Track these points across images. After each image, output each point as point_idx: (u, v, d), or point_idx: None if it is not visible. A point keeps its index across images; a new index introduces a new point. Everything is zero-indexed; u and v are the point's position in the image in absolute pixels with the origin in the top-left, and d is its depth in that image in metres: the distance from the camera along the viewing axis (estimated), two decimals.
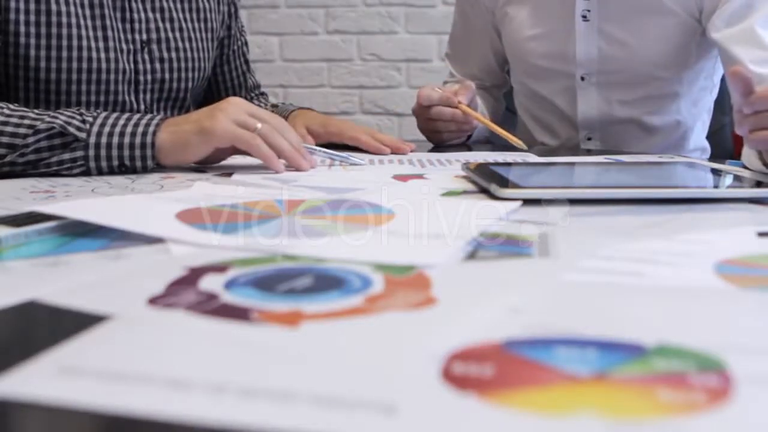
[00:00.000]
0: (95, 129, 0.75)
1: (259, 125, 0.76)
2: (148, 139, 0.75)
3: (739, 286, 0.36)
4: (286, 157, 0.77)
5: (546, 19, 1.16)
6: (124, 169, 0.76)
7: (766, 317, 0.32)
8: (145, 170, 0.77)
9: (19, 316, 0.32)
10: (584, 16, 1.11)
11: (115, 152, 0.75)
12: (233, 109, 0.76)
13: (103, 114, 0.77)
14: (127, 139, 0.75)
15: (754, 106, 0.65)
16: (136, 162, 0.76)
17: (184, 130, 0.76)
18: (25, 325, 0.32)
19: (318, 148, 0.85)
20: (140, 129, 0.76)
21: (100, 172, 0.75)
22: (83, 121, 0.75)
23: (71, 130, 0.74)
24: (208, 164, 0.82)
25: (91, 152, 0.74)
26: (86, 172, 0.75)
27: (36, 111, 0.77)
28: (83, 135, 0.74)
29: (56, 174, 0.75)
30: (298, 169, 0.78)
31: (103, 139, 0.75)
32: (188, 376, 0.25)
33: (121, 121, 0.76)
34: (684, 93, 1.15)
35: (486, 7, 1.24)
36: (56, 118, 0.75)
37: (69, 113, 0.76)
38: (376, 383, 0.24)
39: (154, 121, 0.77)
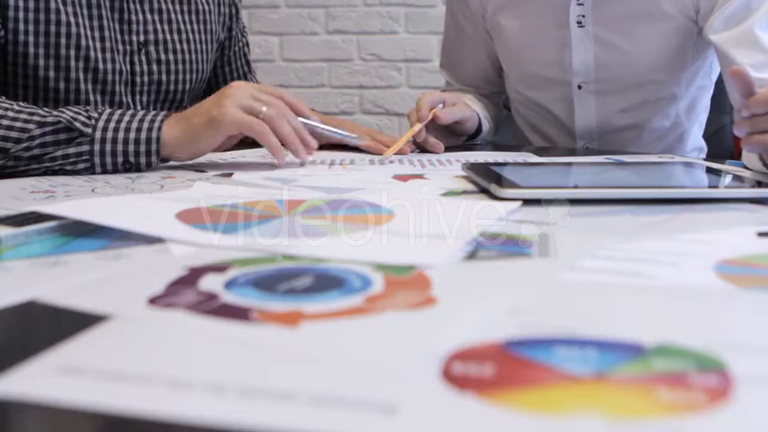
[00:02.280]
0: (101, 124, 0.76)
1: (264, 109, 0.77)
2: (154, 134, 0.76)
3: (739, 286, 0.36)
4: (287, 144, 0.79)
5: (540, 27, 1.13)
6: (129, 166, 0.76)
7: (766, 317, 0.32)
8: (150, 166, 0.77)
9: (19, 316, 0.32)
10: (579, 22, 1.10)
11: (120, 147, 0.75)
12: (239, 94, 0.77)
13: (108, 110, 0.78)
14: (132, 134, 0.76)
15: (752, 110, 0.65)
16: (140, 158, 0.76)
17: (195, 123, 0.77)
18: (25, 325, 0.32)
19: (320, 125, 0.85)
20: (145, 124, 0.77)
21: (104, 169, 0.75)
22: (89, 117, 0.76)
23: (77, 125, 0.74)
24: (221, 150, 0.82)
25: (96, 147, 0.75)
26: (90, 169, 0.75)
27: (45, 109, 0.77)
28: (89, 130, 0.75)
29: (60, 170, 0.75)
30: (295, 155, 0.80)
31: (109, 134, 0.75)
32: (188, 376, 0.25)
33: (126, 117, 0.77)
34: (682, 94, 1.15)
35: (477, 13, 1.22)
36: (63, 113, 0.75)
37: (75, 109, 0.77)
38: (376, 383, 0.24)
39: (159, 117, 0.78)
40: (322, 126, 0.84)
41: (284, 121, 0.78)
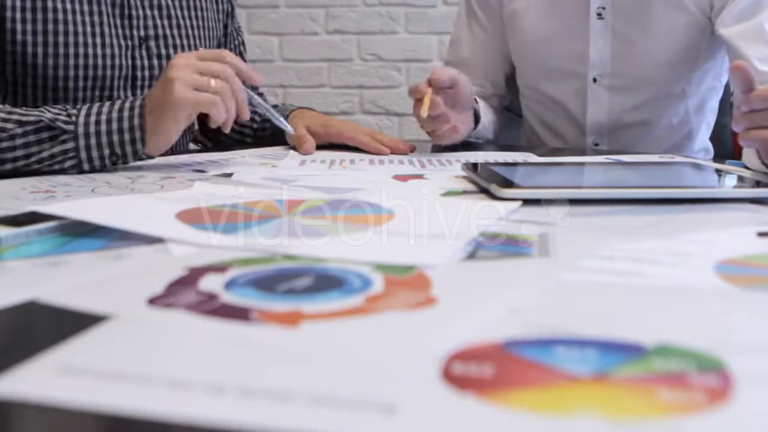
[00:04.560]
0: (81, 119, 0.76)
1: (213, 83, 0.76)
2: (136, 121, 0.76)
3: (739, 286, 0.36)
4: (230, 116, 0.78)
5: (559, 18, 1.14)
6: (116, 158, 0.76)
7: (766, 317, 0.32)
8: (136, 155, 0.77)
9: (19, 316, 0.32)
10: (599, 14, 1.10)
11: (104, 139, 0.75)
12: (183, 73, 0.76)
13: (87, 106, 0.78)
14: (115, 125, 0.76)
15: (752, 105, 0.65)
16: (126, 147, 0.76)
17: (154, 117, 0.77)
18: (25, 325, 0.32)
19: (257, 99, 0.84)
20: (126, 113, 0.76)
21: (91, 165, 0.76)
22: (68, 115, 0.76)
23: (59, 123, 0.75)
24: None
25: (81, 142, 0.75)
26: (78, 166, 0.75)
27: (24, 108, 0.77)
28: (71, 127, 0.75)
29: (49, 171, 0.75)
30: (224, 125, 0.79)
31: (92, 128, 0.75)
32: (188, 376, 0.25)
33: (105, 108, 0.77)
34: (692, 93, 1.15)
35: (495, 2, 1.21)
36: (43, 113, 0.75)
37: (56, 110, 0.77)
38: (376, 383, 0.24)
39: (138, 102, 0.77)
40: (259, 100, 0.84)
41: (229, 95, 0.77)
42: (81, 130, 0.75)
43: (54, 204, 0.49)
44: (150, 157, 0.80)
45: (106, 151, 0.76)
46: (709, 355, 0.26)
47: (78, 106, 0.77)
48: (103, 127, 0.75)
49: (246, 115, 0.81)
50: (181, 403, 0.23)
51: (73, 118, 0.76)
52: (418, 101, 0.94)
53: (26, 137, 0.74)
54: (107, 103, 0.78)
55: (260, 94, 1.26)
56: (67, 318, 0.31)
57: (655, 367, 0.25)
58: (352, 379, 0.25)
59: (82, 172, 0.76)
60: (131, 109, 0.77)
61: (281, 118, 0.87)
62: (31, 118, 0.74)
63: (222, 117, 0.77)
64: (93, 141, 0.75)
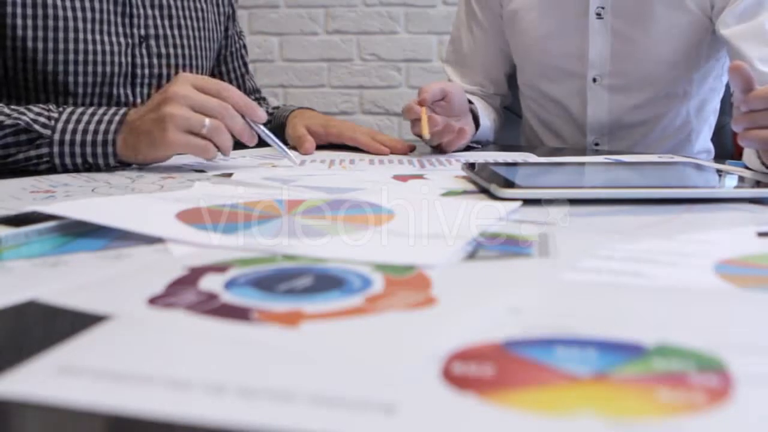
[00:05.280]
0: (59, 126, 0.77)
1: (207, 122, 0.75)
2: (110, 137, 0.77)
3: (739, 286, 0.36)
4: (222, 151, 0.78)
5: (559, 18, 1.14)
6: (88, 166, 0.77)
7: (766, 317, 0.32)
8: (108, 167, 0.78)
9: (19, 316, 0.32)
10: (598, 14, 1.11)
11: (78, 149, 0.77)
12: (178, 110, 0.75)
13: (69, 110, 0.78)
14: (89, 137, 0.77)
15: (750, 105, 0.65)
16: (98, 159, 0.77)
17: (139, 140, 0.76)
18: (25, 325, 0.32)
19: (260, 128, 0.81)
20: (102, 126, 0.77)
21: (65, 169, 0.77)
22: (49, 118, 0.77)
23: (36, 127, 0.76)
24: None
25: (56, 149, 0.76)
26: (52, 169, 0.77)
27: (9, 107, 0.78)
28: (48, 132, 0.76)
29: (24, 170, 0.76)
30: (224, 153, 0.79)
31: (67, 137, 0.76)
32: (188, 376, 0.25)
33: (86, 117, 0.78)
34: (693, 93, 1.15)
35: (494, 5, 1.22)
36: (24, 114, 0.76)
37: (38, 109, 0.78)
38: (376, 383, 0.24)
39: (117, 118, 0.77)
40: (262, 129, 0.81)
41: (225, 132, 0.77)
42: (57, 137, 0.76)
43: (54, 204, 0.49)
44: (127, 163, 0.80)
45: (78, 160, 0.77)
46: (709, 355, 0.26)
47: (60, 109, 0.78)
48: (78, 137, 0.76)
49: (250, 141, 0.80)
50: (181, 403, 0.23)
51: (52, 122, 0.76)
52: (415, 121, 0.93)
53: (5, 139, 0.75)
54: (89, 110, 0.78)
55: (262, 99, 1.26)
56: (67, 318, 0.31)
57: (655, 367, 0.25)
58: (352, 379, 0.25)
59: (57, 173, 0.77)
60: (109, 123, 0.77)
61: (284, 149, 0.84)
62: (8, 122, 0.75)
63: (212, 157, 0.77)
64: (67, 149, 0.76)
